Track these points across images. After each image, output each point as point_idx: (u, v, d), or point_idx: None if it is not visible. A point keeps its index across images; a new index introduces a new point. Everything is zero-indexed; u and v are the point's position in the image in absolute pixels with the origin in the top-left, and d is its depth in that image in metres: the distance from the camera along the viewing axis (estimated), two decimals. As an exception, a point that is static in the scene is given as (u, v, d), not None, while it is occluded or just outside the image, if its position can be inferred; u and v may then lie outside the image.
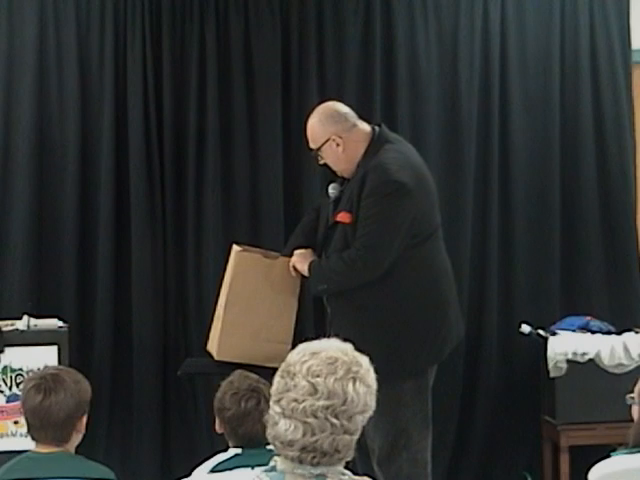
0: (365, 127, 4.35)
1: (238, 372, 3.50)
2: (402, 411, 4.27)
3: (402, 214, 4.20)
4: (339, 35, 5.62)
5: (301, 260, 4.40)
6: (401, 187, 4.17)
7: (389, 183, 4.18)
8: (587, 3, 5.75)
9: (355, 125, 4.33)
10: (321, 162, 4.41)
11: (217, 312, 4.59)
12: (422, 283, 4.33)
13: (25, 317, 5.01)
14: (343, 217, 4.26)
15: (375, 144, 4.30)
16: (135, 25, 5.48)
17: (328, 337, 2.39)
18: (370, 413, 2.29)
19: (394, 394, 4.18)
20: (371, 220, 4.17)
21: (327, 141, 4.29)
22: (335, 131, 4.29)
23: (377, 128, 4.37)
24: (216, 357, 4.41)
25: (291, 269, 4.44)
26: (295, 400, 2.23)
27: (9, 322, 5.01)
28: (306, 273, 4.37)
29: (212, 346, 4.55)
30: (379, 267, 4.20)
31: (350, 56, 5.62)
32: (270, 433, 2.27)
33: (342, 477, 2.29)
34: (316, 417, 2.21)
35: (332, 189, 4.42)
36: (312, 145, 4.38)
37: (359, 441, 2.31)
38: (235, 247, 4.58)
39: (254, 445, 3.25)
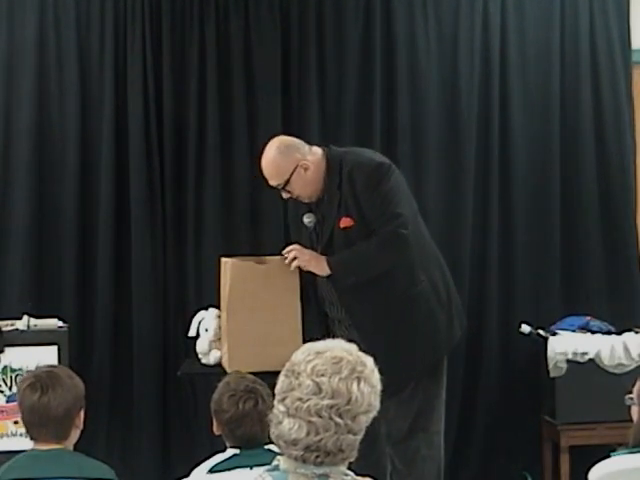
0: (316, 147, 4.40)
1: (234, 373, 3.49)
2: (421, 395, 4.36)
3: (401, 188, 4.31)
4: (339, 35, 5.63)
5: (315, 261, 4.36)
6: (388, 167, 4.30)
7: (377, 167, 4.28)
8: (587, 3, 5.76)
9: (310, 147, 4.37)
10: (286, 196, 4.39)
11: (222, 327, 4.58)
12: (429, 259, 4.41)
13: (25, 317, 5.01)
14: (346, 222, 4.28)
15: (333, 156, 4.35)
16: (135, 25, 5.49)
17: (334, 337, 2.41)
18: (374, 413, 2.29)
19: (414, 378, 4.33)
20: (385, 205, 4.23)
21: (295, 169, 4.28)
22: (300, 156, 4.30)
23: (326, 147, 4.42)
24: (228, 370, 4.34)
25: (292, 265, 4.41)
26: (299, 399, 2.23)
27: (9, 322, 5.01)
28: (325, 272, 4.34)
29: (224, 360, 4.55)
30: (411, 242, 4.26)
31: (350, 56, 5.62)
32: (274, 432, 2.28)
33: (345, 477, 2.29)
34: (320, 416, 2.21)
35: (307, 218, 4.41)
36: (278, 180, 4.31)
37: (366, 437, 2.32)
38: (225, 260, 4.57)
39: (252, 446, 3.24)
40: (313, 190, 4.34)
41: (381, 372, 2.33)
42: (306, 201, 4.39)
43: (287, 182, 4.30)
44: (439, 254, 4.50)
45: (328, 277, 4.36)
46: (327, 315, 4.50)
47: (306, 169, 4.29)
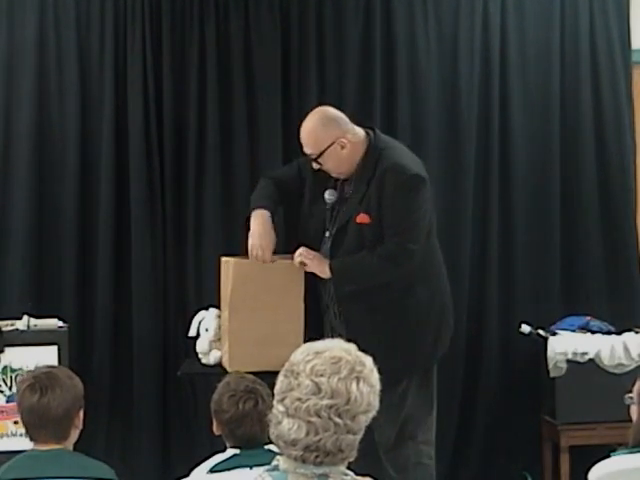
0: (359, 129, 4.39)
1: (234, 373, 3.50)
2: (409, 402, 4.38)
3: (426, 205, 4.32)
4: (339, 35, 5.62)
5: (317, 262, 4.37)
6: (422, 180, 4.29)
7: (412, 178, 4.26)
8: (587, 3, 5.76)
9: (354, 127, 4.36)
10: (316, 167, 4.40)
11: (222, 327, 4.58)
12: (431, 276, 4.41)
13: (25, 317, 5.01)
14: (363, 218, 4.29)
15: (376, 145, 4.34)
16: (135, 25, 5.48)
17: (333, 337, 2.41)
18: (374, 413, 2.29)
19: (403, 386, 4.34)
20: (403, 216, 4.23)
21: (332, 144, 4.29)
22: (340, 133, 4.31)
23: (370, 131, 4.41)
24: (229, 369, 4.36)
25: (296, 264, 4.41)
26: (299, 399, 2.23)
27: (9, 322, 5.01)
28: (327, 275, 4.36)
29: (225, 360, 4.55)
30: (416, 258, 4.26)
31: (350, 56, 5.62)
32: (273, 432, 2.28)
33: (344, 477, 2.29)
34: (319, 416, 2.22)
35: (329, 195, 4.43)
36: (312, 150, 4.34)
37: (366, 436, 2.32)
38: (227, 259, 4.57)
39: (252, 446, 3.25)
40: (344, 169, 4.35)
41: (379, 372, 2.34)
42: (334, 175, 4.40)
43: (321, 154, 4.31)
44: (447, 281, 4.53)
45: (328, 280, 4.38)
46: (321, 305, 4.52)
47: (343, 147, 4.30)
